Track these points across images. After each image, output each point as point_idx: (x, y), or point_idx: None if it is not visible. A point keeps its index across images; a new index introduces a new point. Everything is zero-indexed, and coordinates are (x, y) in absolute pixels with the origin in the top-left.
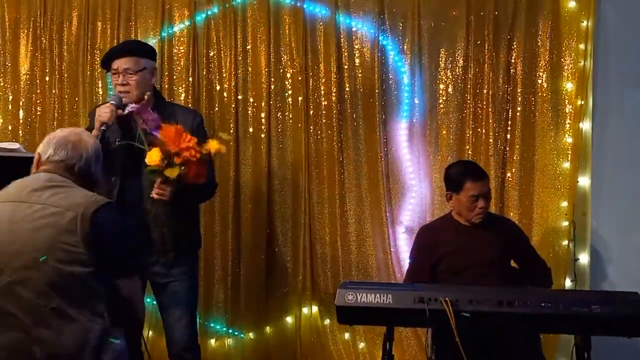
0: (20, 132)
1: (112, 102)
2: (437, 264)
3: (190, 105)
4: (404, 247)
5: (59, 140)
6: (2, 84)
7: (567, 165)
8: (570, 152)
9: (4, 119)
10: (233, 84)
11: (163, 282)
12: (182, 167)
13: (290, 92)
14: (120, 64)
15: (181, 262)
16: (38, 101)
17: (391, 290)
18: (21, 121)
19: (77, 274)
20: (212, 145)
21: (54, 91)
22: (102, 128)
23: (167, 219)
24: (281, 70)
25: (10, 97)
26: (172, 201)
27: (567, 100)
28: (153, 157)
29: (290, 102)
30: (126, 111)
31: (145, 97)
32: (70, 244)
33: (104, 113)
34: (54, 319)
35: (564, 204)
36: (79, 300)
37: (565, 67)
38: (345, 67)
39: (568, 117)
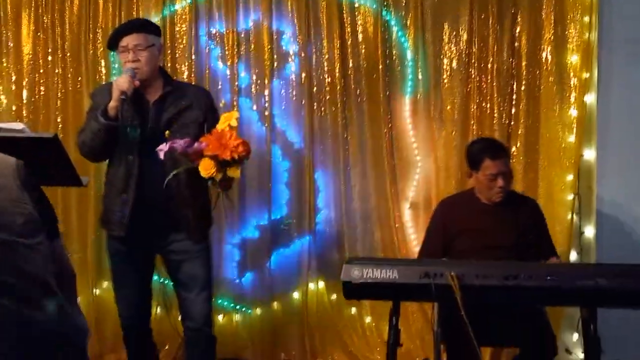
0: (24, 112)
1: (128, 73)
2: (452, 241)
3: (193, 83)
4: (408, 222)
5: None
6: (5, 64)
7: (572, 138)
8: (575, 126)
9: (7, 99)
10: (236, 61)
11: (179, 259)
12: (242, 161)
13: (293, 68)
14: (129, 40)
15: (200, 240)
16: (41, 81)
17: (397, 266)
18: (25, 101)
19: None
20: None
21: (57, 70)
22: (122, 97)
23: (190, 198)
24: (284, 47)
25: (14, 77)
26: (195, 182)
27: (572, 73)
28: (209, 168)
29: (294, 79)
30: (160, 156)
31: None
32: (30, 213)
33: (123, 82)
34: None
35: (569, 177)
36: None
37: (570, 40)
38: (349, 43)
39: (573, 90)
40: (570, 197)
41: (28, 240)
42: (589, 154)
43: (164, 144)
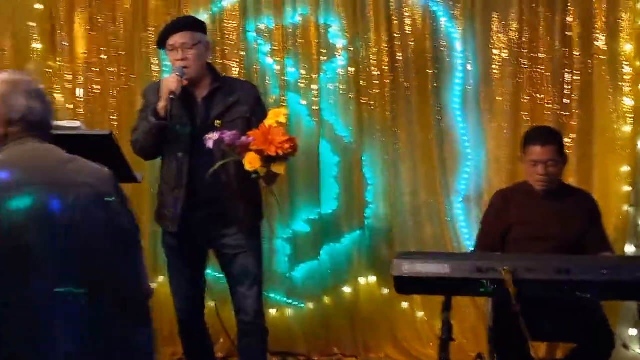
0: (80, 110)
1: (176, 73)
2: (507, 232)
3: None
4: (460, 216)
5: (27, 87)
6: (61, 64)
7: (627, 128)
8: (630, 115)
9: (63, 98)
10: (284, 56)
11: (233, 254)
12: (288, 158)
13: (341, 62)
14: (176, 39)
15: (251, 234)
16: (96, 79)
17: (448, 260)
18: (80, 99)
19: None
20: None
21: (110, 69)
22: (171, 97)
23: (241, 192)
24: (331, 41)
25: (69, 77)
26: (244, 175)
27: (626, 62)
28: (253, 162)
29: (341, 73)
30: (209, 144)
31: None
32: (124, 229)
33: (171, 82)
34: None
35: (625, 168)
36: None
37: (623, 28)
38: (396, 35)
39: (628, 79)
40: (626, 188)
41: (122, 257)
42: None
43: (213, 132)
